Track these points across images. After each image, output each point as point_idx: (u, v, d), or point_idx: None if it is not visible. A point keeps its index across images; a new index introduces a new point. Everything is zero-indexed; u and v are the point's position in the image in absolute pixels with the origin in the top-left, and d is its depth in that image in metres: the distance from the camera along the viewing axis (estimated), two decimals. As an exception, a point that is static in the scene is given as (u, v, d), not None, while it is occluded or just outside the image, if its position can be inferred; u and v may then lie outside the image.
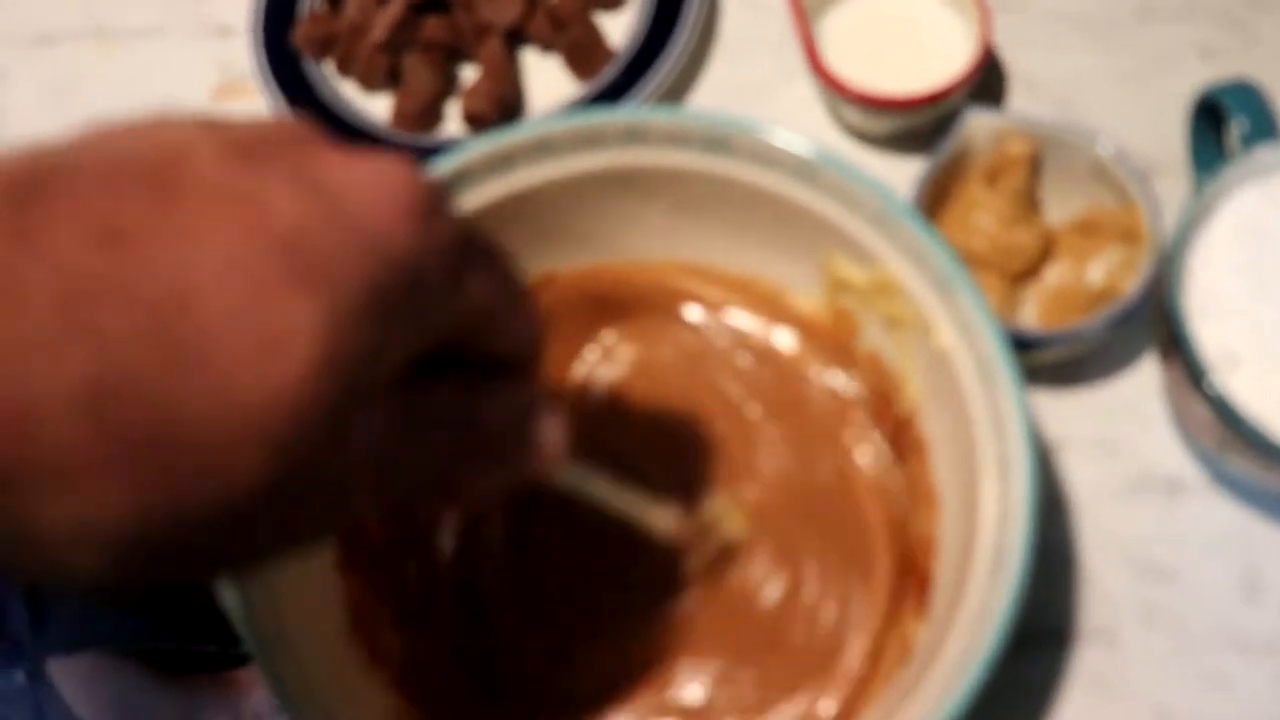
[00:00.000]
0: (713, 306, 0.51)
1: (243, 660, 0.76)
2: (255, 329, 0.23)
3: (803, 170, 0.44)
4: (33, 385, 0.21)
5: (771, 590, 0.47)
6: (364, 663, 0.44)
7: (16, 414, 0.21)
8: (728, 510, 0.47)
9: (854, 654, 0.45)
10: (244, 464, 0.23)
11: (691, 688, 0.46)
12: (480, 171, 0.45)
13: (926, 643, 0.41)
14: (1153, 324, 0.48)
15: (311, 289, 0.24)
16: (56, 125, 0.27)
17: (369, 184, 0.26)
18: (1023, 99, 0.60)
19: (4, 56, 0.68)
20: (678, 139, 0.45)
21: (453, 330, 0.29)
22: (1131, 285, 0.48)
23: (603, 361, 0.51)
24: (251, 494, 0.24)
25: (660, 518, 0.45)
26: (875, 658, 0.44)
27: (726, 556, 0.47)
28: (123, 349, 0.22)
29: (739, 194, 0.45)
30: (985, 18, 0.55)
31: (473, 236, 0.29)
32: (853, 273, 0.45)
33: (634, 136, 0.45)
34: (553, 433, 0.33)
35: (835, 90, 0.55)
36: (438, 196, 0.27)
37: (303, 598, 0.42)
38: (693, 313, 0.51)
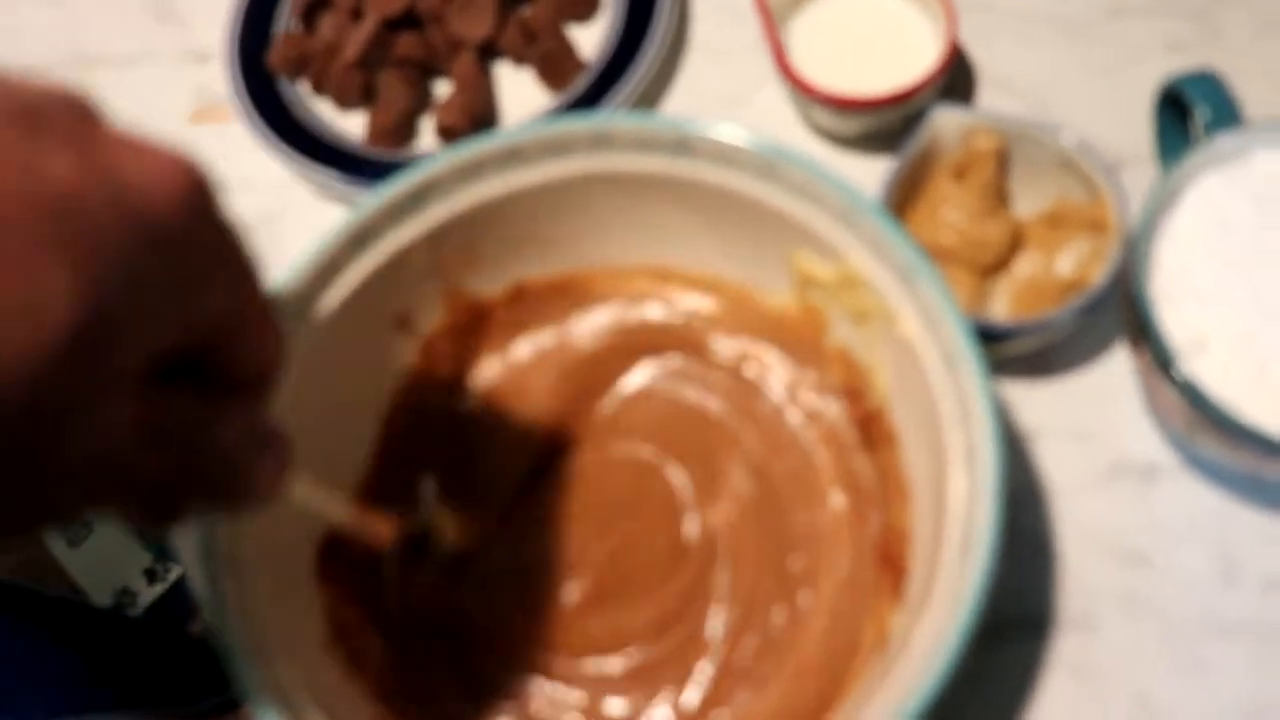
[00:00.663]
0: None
1: (237, 704, 0.76)
2: (7, 291, 0.23)
3: (766, 169, 0.44)
4: None
5: (744, 594, 0.47)
6: (344, 673, 0.44)
7: None
8: (441, 519, 0.48)
9: (827, 646, 0.46)
10: None
11: (689, 691, 0.46)
12: (450, 181, 0.46)
13: (901, 630, 0.41)
14: (1122, 311, 0.49)
15: (70, 258, 0.24)
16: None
17: (148, 166, 0.26)
18: (993, 96, 0.61)
19: (-15, 87, 0.69)
20: (643, 144, 0.45)
21: (197, 332, 0.29)
22: (1100, 275, 0.49)
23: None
24: None
25: (376, 528, 0.45)
26: (852, 647, 0.45)
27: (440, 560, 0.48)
28: None
29: (706, 196, 0.46)
30: (951, 17, 0.55)
31: (234, 242, 0.29)
32: (819, 268, 0.45)
33: (601, 143, 0.46)
34: (273, 467, 0.33)
35: (804, 92, 0.56)
36: (211, 192, 0.28)
37: (282, 609, 0.42)
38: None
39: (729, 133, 0.44)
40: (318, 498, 0.42)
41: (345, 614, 0.46)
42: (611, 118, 0.45)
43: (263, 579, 0.42)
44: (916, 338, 0.42)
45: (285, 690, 0.39)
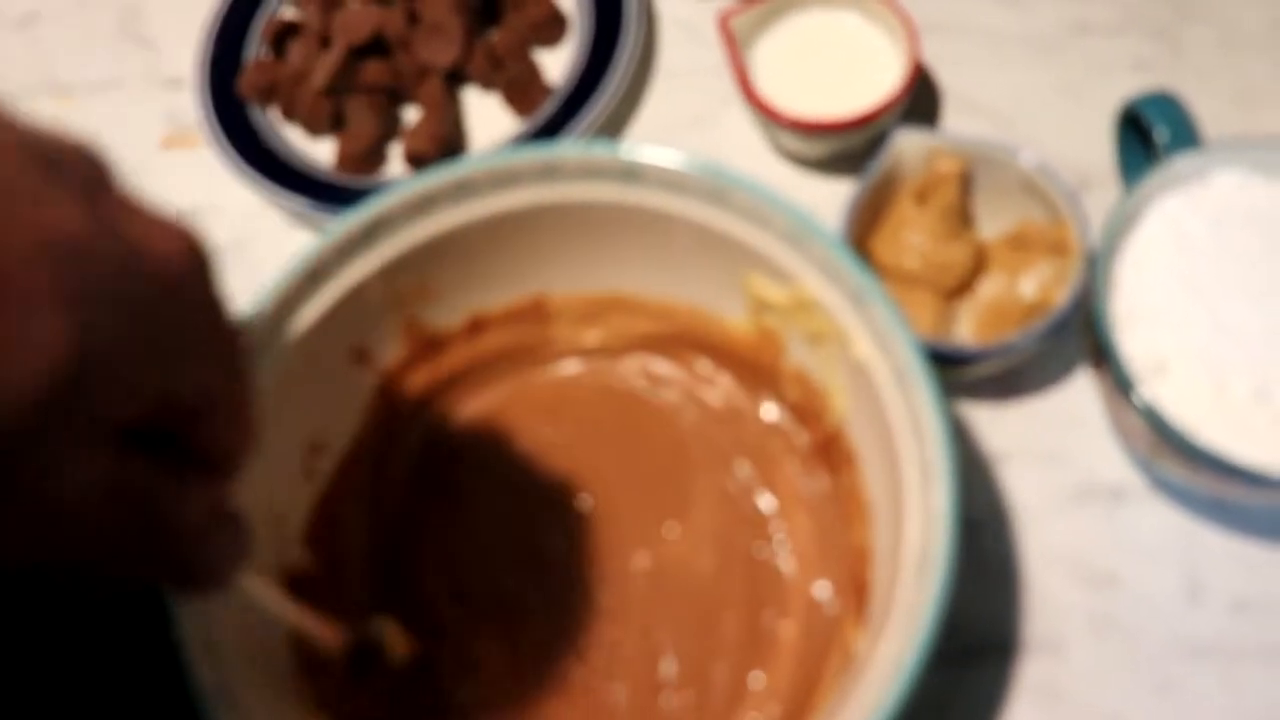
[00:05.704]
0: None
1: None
2: (3, 326, 0.24)
3: (714, 194, 0.44)
4: None
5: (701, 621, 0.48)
6: (308, 709, 0.44)
7: None
8: (389, 632, 0.46)
9: (796, 667, 0.46)
10: None
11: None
12: (401, 216, 0.46)
13: (865, 651, 0.41)
14: (1084, 334, 0.49)
15: (67, 302, 0.25)
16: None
17: (153, 230, 0.27)
18: (958, 116, 0.61)
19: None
20: (591, 173, 0.45)
21: (173, 404, 0.29)
22: (1062, 297, 0.48)
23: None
24: None
25: (323, 633, 0.43)
26: (817, 666, 0.45)
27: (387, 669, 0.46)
28: None
29: (657, 222, 0.46)
30: (913, 38, 0.55)
31: (223, 321, 0.30)
32: (773, 292, 0.45)
33: (549, 173, 0.46)
34: (232, 549, 0.33)
35: (768, 116, 0.56)
36: (209, 266, 0.29)
37: (247, 642, 0.42)
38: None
39: (676, 159, 0.44)
40: (268, 597, 0.41)
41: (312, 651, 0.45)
42: (559, 148, 0.46)
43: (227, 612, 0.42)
44: (869, 358, 0.42)
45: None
